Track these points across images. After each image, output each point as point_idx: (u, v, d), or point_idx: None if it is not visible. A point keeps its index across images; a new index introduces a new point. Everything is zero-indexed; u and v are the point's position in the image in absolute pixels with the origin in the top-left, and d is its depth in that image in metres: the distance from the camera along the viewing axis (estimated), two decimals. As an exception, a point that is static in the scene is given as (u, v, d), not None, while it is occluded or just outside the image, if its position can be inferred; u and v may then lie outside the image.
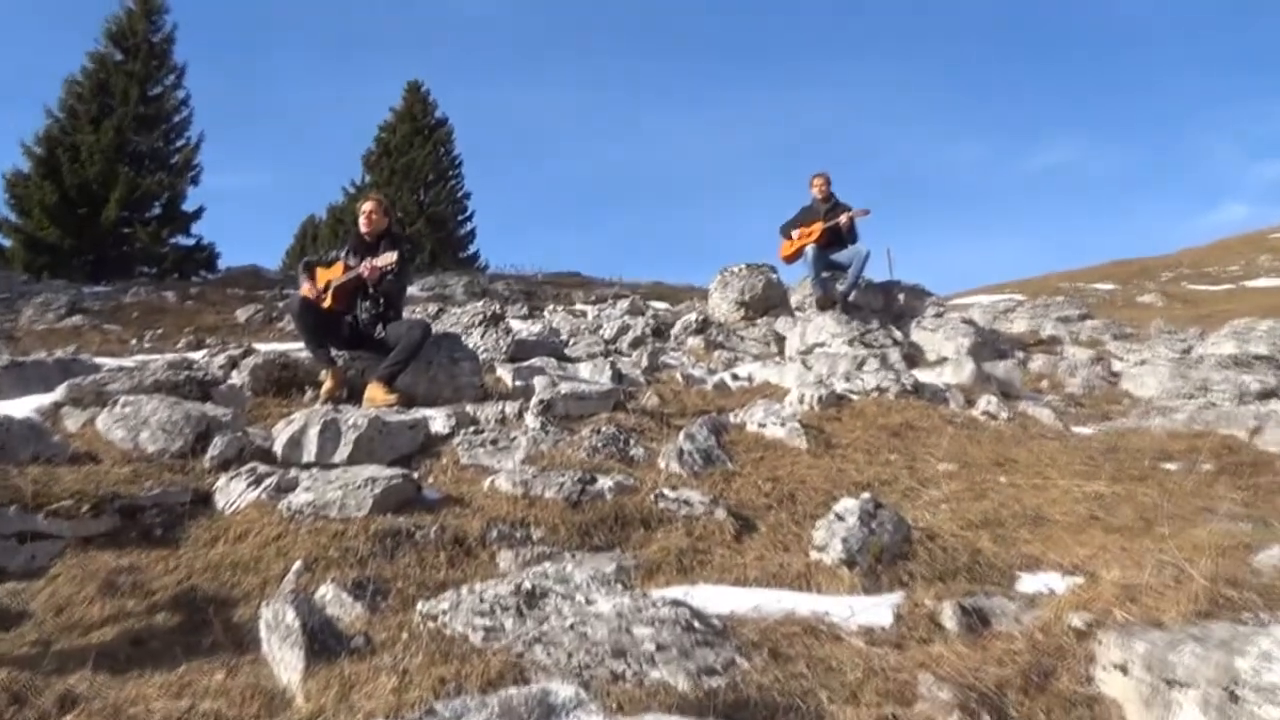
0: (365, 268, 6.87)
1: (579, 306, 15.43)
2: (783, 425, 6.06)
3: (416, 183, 29.60)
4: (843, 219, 11.07)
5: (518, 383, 7.37)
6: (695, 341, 10.44)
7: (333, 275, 7.10)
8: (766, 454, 5.63)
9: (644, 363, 8.95)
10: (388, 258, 6.85)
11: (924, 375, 8.12)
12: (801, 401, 6.84)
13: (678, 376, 8.26)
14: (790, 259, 11.53)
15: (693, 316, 11.39)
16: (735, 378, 8.56)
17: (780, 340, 10.41)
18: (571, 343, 10.32)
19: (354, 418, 5.36)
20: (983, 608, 3.31)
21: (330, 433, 5.25)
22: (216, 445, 5.10)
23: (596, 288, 19.28)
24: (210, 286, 17.91)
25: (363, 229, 7.21)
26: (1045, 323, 12.64)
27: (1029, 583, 3.66)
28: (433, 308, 13.04)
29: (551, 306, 15.18)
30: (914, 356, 9.36)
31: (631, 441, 5.60)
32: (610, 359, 8.84)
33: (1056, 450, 5.81)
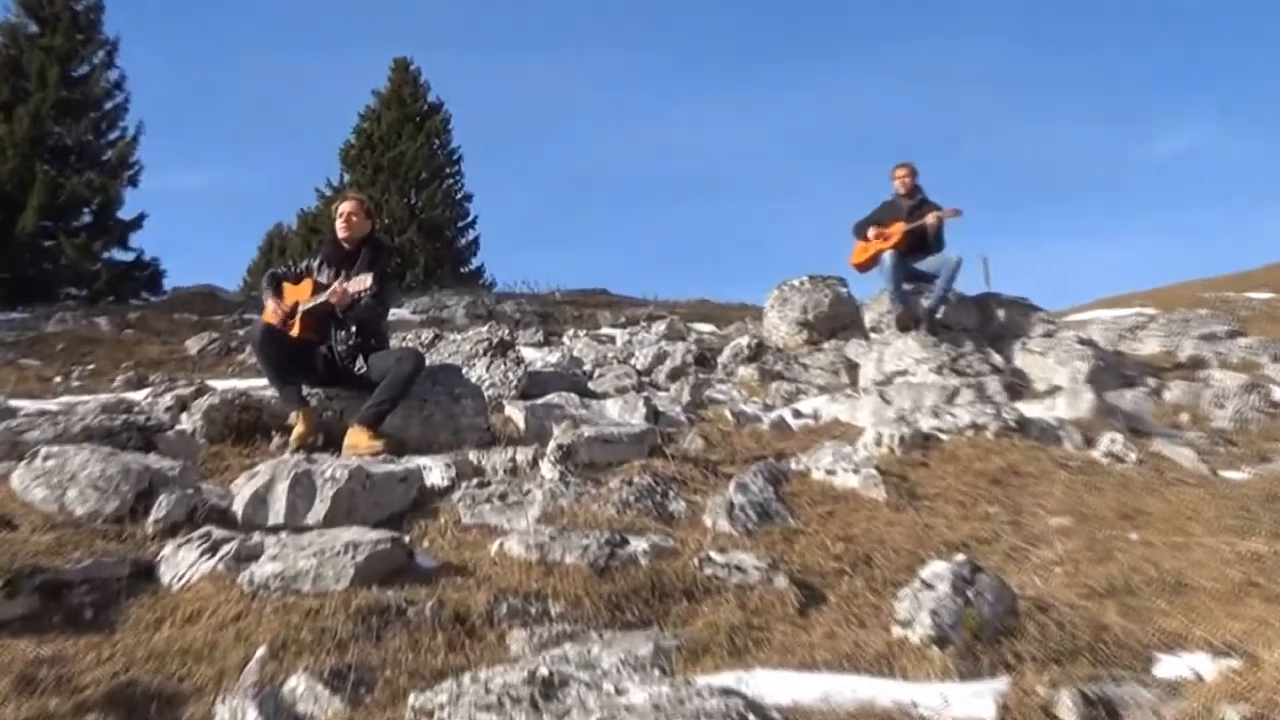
0: (334, 292, 6.83)
1: (605, 330, 15.45)
2: (856, 472, 6.04)
3: (406, 182, 29.76)
4: (929, 219, 11.04)
5: (532, 424, 7.38)
6: (748, 371, 10.44)
7: (302, 295, 7.08)
8: (836, 507, 5.61)
9: (685, 398, 8.95)
10: (360, 282, 6.78)
11: (1031, 409, 8.08)
12: (879, 443, 6.83)
13: (727, 414, 8.26)
14: (864, 267, 11.50)
15: (744, 341, 11.40)
16: (797, 414, 8.56)
17: (852, 368, 10.40)
18: (597, 375, 10.34)
19: (332, 469, 5.36)
20: (1111, 697, 3.26)
21: (302, 488, 5.25)
22: (162, 505, 5.08)
23: (626, 307, 19.28)
24: (154, 311, 18.02)
25: (340, 235, 7.20)
26: (1184, 342, 12.55)
27: (1169, 665, 3.61)
28: (427, 334, 13.09)
29: (572, 331, 15.21)
30: (1018, 386, 9.32)
31: (671, 494, 5.59)
32: (644, 394, 8.86)
33: (1201, 500, 5.76)
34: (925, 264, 11.16)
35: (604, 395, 9.13)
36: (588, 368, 10.88)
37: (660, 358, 11.24)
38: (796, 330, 11.60)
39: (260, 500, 5.20)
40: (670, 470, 6.03)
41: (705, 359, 11.30)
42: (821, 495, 5.82)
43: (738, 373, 10.56)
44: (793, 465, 6.36)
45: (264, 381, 7.34)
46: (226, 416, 6.98)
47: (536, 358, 11.57)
